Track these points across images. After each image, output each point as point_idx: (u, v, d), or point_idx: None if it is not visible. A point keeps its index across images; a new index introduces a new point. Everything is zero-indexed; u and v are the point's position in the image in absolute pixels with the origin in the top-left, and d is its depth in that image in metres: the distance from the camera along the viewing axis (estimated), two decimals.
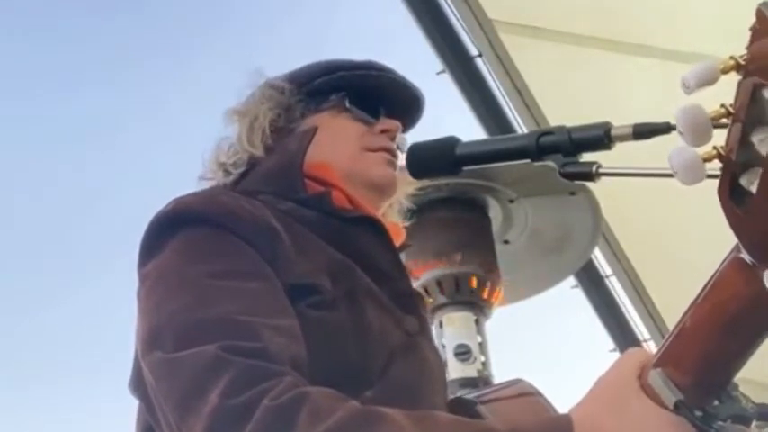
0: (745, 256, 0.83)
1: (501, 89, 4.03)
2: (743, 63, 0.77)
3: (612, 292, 5.06)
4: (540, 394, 1.30)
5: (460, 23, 3.84)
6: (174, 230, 1.19)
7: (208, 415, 0.99)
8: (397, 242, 1.38)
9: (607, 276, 4.98)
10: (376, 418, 0.97)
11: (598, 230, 4.20)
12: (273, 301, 1.13)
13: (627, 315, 5.13)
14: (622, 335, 5.13)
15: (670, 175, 0.95)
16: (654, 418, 0.92)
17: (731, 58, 0.78)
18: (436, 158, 1.26)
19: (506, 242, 4.15)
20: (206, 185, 1.42)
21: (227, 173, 1.40)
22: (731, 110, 0.79)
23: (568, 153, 1.09)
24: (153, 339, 1.10)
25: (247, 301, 1.10)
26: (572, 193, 3.92)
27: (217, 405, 0.99)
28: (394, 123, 1.46)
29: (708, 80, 0.81)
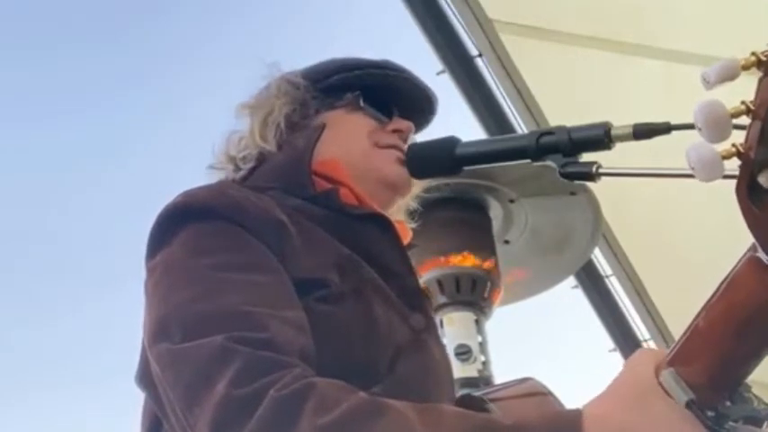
0: (762, 255, 0.83)
1: (501, 89, 4.03)
2: (764, 59, 0.76)
3: (612, 292, 5.05)
4: (550, 393, 1.29)
5: (460, 23, 3.83)
6: (183, 223, 1.19)
7: (215, 405, 0.99)
8: (404, 241, 1.37)
9: (607, 276, 4.98)
10: (381, 409, 0.97)
11: (598, 230, 4.20)
12: (281, 294, 1.13)
13: (627, 315, 5.13)
14: (622, 335, 5.13)
15: (670, 176, 0.95)
16: (675, 416, 0.91)
17: (753, 53, 0.77)
18: (436, 158, 1.26)
19: (506, 242, 4.15)
20: (215, 175, 1.43)
21: (236, 167, 1.41)
22: (751, 107, 0.78)
23: (568, 153, 1.09)
24: (160, 330, 1.10)
25: (255, 293, 1.10)
26: (572, 193, 3.91)
27: (224, 395, 0.99)
28: (406, 124, 1.46)
29: (728, 76, 0.80)
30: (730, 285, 0.89)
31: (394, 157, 1.42)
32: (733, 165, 0.82)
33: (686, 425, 0.90)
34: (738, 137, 0.81)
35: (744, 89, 0.80)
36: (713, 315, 0.90)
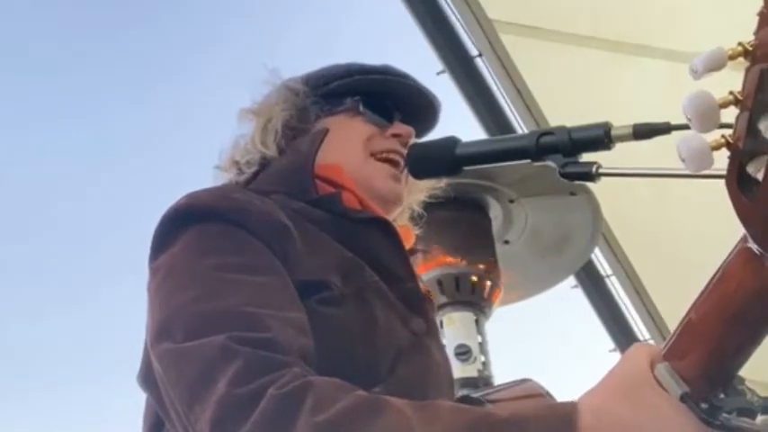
0: (753, 245, 0.83)
1: (501, 89, 4.03)
2: (750, 49, 0.77)
3: (612, 292, 5.05)
4: (548, 395, 1.29)
5: (460, 23, 3.83)
6: (186, 225, 1.20)
7: (215, 403, 1.00)
8: (407, 245, 1.38)
9: (607, 276, 4.98)
10: (379, 406, 0.98)
11: (598, 230, 4.19)
12: (282, 295, 1.14)
13: (627, 315, 5.13)
14: (622, 335, 5.13)
15: (670, 176, 0.95)
16: (669, 408, 0.91)
17: (739, 44, 0.77)
18: (436, 158, 1.25)
19: (506, 242, 4.14)
20: (220, 175, 1.44)
21: (240, 171, 1.42)
22: (739, 97, 0.78)
23: (568, 153, 1.09)
24: (162, 330, 1.11)
25: (256, 294, 1.11)
26: (572, 193, 3.91)
27: (224, 393, 1.00)
28: (405, 129, 1.47)
29: (715, 65, 0.80)
30: (722, 277, 0.89)
31: (388, 172, 1.43)
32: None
33: (680, 417, 0.91)
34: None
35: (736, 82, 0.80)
36: (705, 307, 0.91)
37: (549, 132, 1.11)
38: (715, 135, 0.81)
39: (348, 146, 1.43)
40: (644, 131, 1.01)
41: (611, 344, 5.19)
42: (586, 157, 1.09)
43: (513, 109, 4.07)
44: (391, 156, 1.45)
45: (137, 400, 1.23)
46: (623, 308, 5.11)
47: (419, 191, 1.51)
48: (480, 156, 1.20)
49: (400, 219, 1.50)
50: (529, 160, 1.13)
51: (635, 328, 5.14)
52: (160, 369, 1.10)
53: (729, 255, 0.87)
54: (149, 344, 1.15)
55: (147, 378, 1.18)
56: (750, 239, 0.83)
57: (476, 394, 1.31)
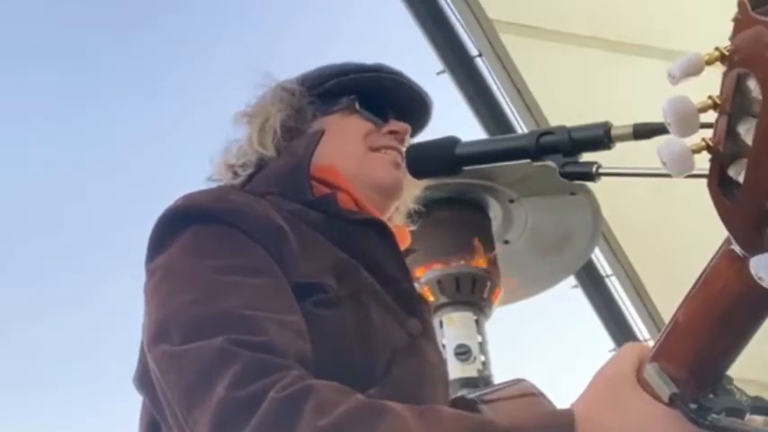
0: (736, 247, 0.83)
1: (501, 89, 4.03)
2: (727, 54, 0.77)
3: (612, 292, 5.06)
4: (541, 395, 1.30)
5: (460, 23, 3.84)
6: (183, 226, 1.20)
7: (215, 407, 0.99)
8: (402, 246, 1.38)
9: (607, 276, 4.98)
10: (380, 410, 0.97)
11: (598, 230, 4.20)
12: (279, 298, 1.13)
13: (627, 315, 5.13)
14: (622, 335, 5.12)
15: (670, 176, 0.95)
16: (650, 413, 0.92)
17: (716, 48, 0.78)
18: (436, 158, 1.25)
19: (506, 242, 4.15)
20: (214, 185, 1.43)
21: (235, 174, 1.42)
22: (718, 101, 0.79)
23: (568, 153, 1.09)
24: (160, 333, 1.11)
25: (253, 297, 1.11)
26: (572, 193, 3.92)
27: (223, 397, 0.99)
28: (401, 125, 1.47)
29: (692, 71, 0.81)
30: (707, 278, 0.90)
31: (388, 160, 1.42)
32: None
33: (664, 420, 0.91)
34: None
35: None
36: (692, 308, 0.91)
37: (549, 132, 1.11)
38: (696, 138, 0.82)
39: (344, 145, 1.43)
40: (644, 131, 1.01)
41: (611, 344, 5.19)
42: (586, 156, 1.09)
43: (513, 109, 4.07)
44: (389, 152, 1.45)
45: (136, 401, 1.23)
46: (623, 308, 5.11)
47: (413, 185, 1.51)
48: (480, 156, 1.19)
49: (396, 218, 1.50)
50: (529, 160, 1.13)
51: (635, 328, 5.14)
52: (157, 371, 1.10)
53: (715, 256, 0.88)
54: (146, 345, 1.14)
55: (143, 379, 1.18)
56: (733, 241, 0.83)
57: (471, 395, 1.31)
